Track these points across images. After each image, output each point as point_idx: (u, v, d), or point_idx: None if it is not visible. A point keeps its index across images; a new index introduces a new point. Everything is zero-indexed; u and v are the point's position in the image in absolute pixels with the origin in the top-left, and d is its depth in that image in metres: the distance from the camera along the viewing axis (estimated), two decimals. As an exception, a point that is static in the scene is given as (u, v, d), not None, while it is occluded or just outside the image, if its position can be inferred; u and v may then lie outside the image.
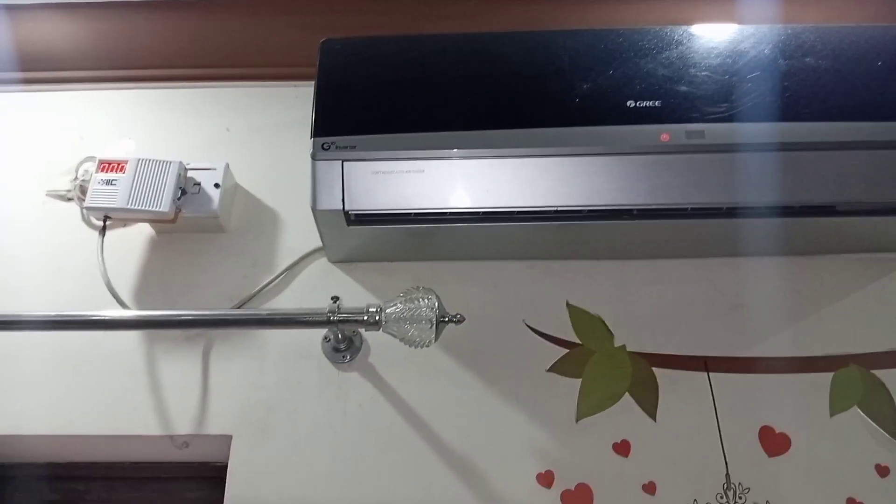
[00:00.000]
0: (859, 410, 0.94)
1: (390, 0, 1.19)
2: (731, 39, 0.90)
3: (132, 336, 1.00)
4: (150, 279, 1.05)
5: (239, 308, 1.02)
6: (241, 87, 1.23)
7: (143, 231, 1.08)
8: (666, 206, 0.87)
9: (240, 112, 1.20)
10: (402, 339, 0.85)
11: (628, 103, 0.86)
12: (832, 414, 0.94)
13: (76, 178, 1.10)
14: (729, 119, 0.85)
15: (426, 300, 0.84)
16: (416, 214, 0.89)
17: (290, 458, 0.93)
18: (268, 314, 0.97)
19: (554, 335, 1.00)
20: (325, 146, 0.86)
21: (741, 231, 0.95)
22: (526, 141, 0.86)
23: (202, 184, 1.04)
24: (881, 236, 0.99)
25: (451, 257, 1.05)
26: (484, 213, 0.89)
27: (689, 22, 0.93)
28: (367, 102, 0.89)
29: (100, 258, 1.01)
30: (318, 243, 1.03)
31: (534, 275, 1.04)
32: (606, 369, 0.97)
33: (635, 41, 0.90)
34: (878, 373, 0.96)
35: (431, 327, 0.83)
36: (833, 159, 0.85)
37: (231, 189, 1.10)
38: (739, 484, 0.90)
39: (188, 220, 1.03)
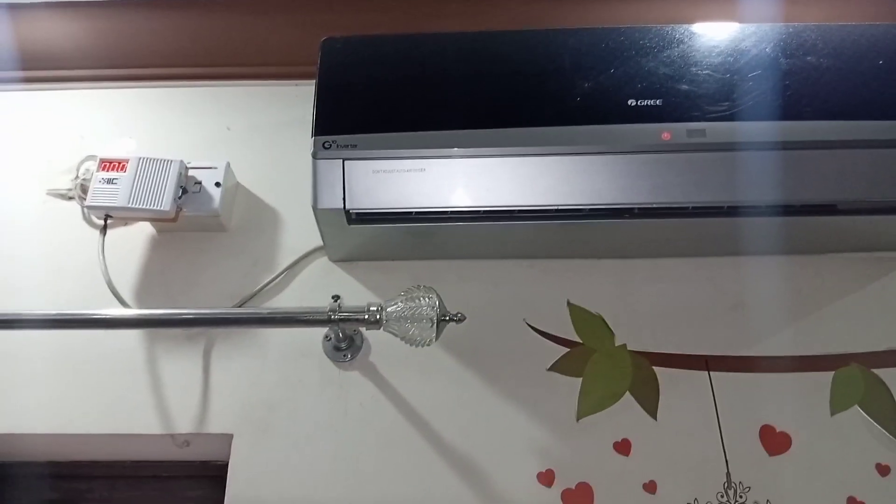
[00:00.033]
0: (860, 409, 0.94)
1: (391, -1, 1.20)
2: (732, 38, 0.90)
3: (133, 335, 1.00)
4: (151, 278, 1.05)
5: (240, 307, 1.02)
6: (241, 86, 1.23)
7: (144, 230, 1.08)
8: (667, 205, 0.87)
9: (241, 111, 1.20)
10: (402, 338, 0.85)
11: (629, 102, 0.86)
12: (833, 413, 0.94)
13: (77, 176, 1.10)
14: (730, 118, 0.85)
15: (427, 299, 0.84)
16: (416, 213, 0.89)
17: (291, 457, 0.93)
18: (269, 313, 0.97)
19: (554, 334, 1.00)
20: (325, 145, 0.86)
21: (742, 230, 0.95)
22: (527, 140, 0.86)
23: (203, 183, 1.04)
24: (882, 235, 0.99)
25: (451, 256, 1.05)
26: (485, 211, 0.89)
27: (691, 21, 0.93)
28: (367, 101, 0.89)
29: (101, 257, 1.01)
30: (319, 242, 1.03)
31: (534, 274, 1.04)
32: (607, 368, 0.97)
33: (636, 40, 0.89)
34: (879, 372, 0.96)
35: (432, 326, 0.83)
36: (834, 158, 0.85)
37: (232, 188, 1.10)
38: (740, 483, 0.90)
39: (189, 219, 1.03)
